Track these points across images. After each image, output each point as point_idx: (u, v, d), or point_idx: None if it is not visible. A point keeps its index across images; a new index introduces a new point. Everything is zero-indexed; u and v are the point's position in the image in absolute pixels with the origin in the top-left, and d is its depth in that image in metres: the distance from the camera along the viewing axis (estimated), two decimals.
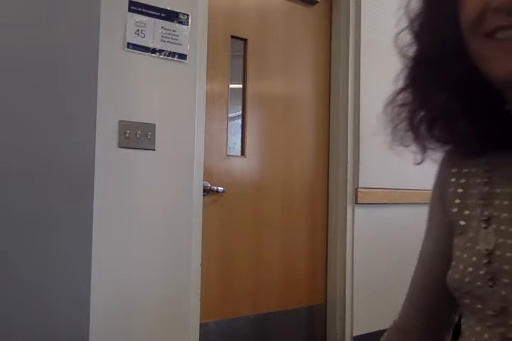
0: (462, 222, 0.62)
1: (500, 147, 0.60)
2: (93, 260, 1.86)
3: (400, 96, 0.65)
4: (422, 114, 0.63)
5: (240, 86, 2.57)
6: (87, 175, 1.88)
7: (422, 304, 0.72)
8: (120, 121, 1.94)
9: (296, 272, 2.75)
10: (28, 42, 2.17)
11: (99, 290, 1.88)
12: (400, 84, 0.64)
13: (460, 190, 0.64)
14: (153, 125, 2.02)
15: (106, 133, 1.91)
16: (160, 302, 2.05)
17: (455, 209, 0.64)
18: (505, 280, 0.54)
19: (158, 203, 2.05)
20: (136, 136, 1.97)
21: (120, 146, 1.94)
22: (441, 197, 0.68)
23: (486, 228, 0.58)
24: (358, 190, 2.82)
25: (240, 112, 2.57)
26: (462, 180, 0.64)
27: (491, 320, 0.56)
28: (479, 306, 0.58)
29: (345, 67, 2.85)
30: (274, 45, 2.67)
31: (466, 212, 0.62)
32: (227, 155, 2.49)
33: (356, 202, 2.82)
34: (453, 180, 0.65)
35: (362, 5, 2.86)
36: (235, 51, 2.53)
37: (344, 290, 2.81)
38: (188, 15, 2.12)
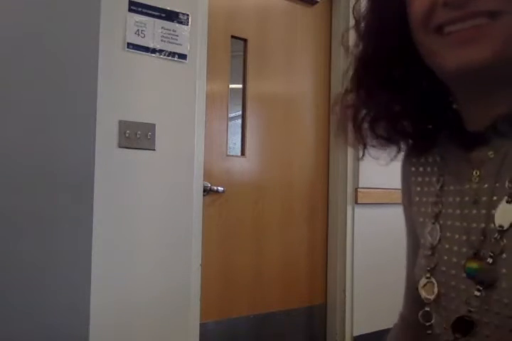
0: (421, 219, 0.65)
1: (453, 144, 0.61)
2: (93, 259, 1.86)
3: (346, 97, 0.67)
4: (364, 113, 0.65)
5: (240, 86, 2.57)
6: (87, 175, 1.88)
7: (410, 296, 0.75)
8: (120, 121, 1.94)
9: (296, 272, 2.75)
10: (28, 42, 2.17)
11: (99, 290, 1.88)
12: (345, 85, 0.66)
13: (418, 189, 0.67)
14: (153, 125, 2.02)
15: (106, 133, 1.91)
16: (160, 302, 2.05)
17: (415, 208, 0.67)
18: (442, 269, 0.59)
19: (158, 203, 2.05)
20: (136, 136, 1.97)
21: (120, 146, 1.94)
22: (408, 195, 0.71)
23: (433, 223, 0.61)
24: (358, 190, 2.82)
25: (240, 112, 2.57)
26: (419, 179, 0.67)
27: (433, 306, 0.60)
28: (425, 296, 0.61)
29: (345, 67, 2.84)
30: (274, 45, 2.67)
31: (422, 209, 0.65)
32: (227, 155, 2.49)
33: (356, 202, 2.82)
34: (413, 178, 0.68)
35: (362, 5, 2.85)
36: (235, 51, 2.53)
37: (344, 290, 2.81)
38: (188, 15, 2.12)
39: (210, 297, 2.34)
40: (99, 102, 1.89)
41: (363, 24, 0.63)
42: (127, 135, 1.95)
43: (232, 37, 2.51)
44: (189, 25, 2.12)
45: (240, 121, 2.57)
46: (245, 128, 2.56)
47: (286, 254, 2.70)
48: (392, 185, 3.17)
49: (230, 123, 2.51)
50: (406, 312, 0.76)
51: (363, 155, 0.68)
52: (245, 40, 2.56)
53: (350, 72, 0.65)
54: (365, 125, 0.65)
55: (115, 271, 1.93)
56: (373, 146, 0.66)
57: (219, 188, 2.36)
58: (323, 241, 2.86)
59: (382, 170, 3.27)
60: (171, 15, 2.07)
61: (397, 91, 0.61)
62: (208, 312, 2.32)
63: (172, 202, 2.08)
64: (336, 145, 2.85)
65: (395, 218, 3.37)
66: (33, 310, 2.05)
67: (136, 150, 1.98)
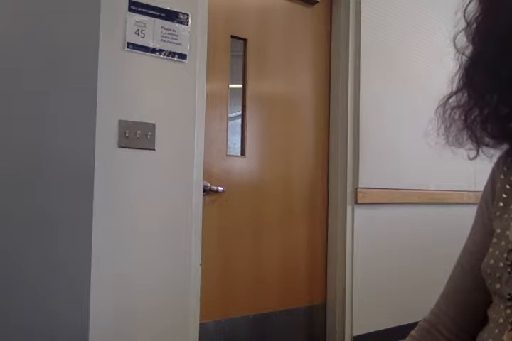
0: (506, 215, 0.65)
1: None
2: (93, 259, 1.86)
3: (454, 99, 0.68)
4: (476, 113, 0.65)
5: (240, 86, 2.57)
6: (87, 175, 1.88)
7: (458, 303, 0.73)
8: (120, 121, 1.94)
9: (296, 272, 2.75)
10: (28, 42, 2.17)
11: (98, 290, 1.88)
12: (454, 86, 0.67)
13: (508, 186, 0.67)
14: (153, 125, 2.02)
15: (106, 133, 1.91)
16: (160, 302, 2.05)
17: (501, 204, 0.67)
18: None
19: (158, 203, 2.05)
20: (136, 136, 1.97)
21: (120, 146, 1.94)
22: (491, 193, 0.70)
23: None
24: (358, 190, 2.82)
25: (240, 112, 2.57)
26: (510, 178, 0.67)
27: (509, 303, 0.59)
28: (502, 288, 0.61)
29: (345, 67, 2.85)
30: (274, 45, 2.67)
31: (511, 207, 0.65)
32: (227, 155, 2.49)
33: (356, 202, 2.82)
34: (502, 177, 0.68)
35: (362, 5, 2.86)
36: (235, 51, 2.53)
37: (344, 290, 2.81)
38: (188, 15, 2.12)
39: (210, 297, 2.34)
40: (99, 102, 1.89)
41: (474, 26, 0.64)
42: (127, 135, 1.95)
43: (232, 37, 2.51)
44: (189, 25, 2.12)
45: (240, 121, 2.57)
46: (245, 128, 2.56)
47: (286, 254, 2.70)
48: (392, 185, 3.18)
49: (230, 123, 2.51)
50: (441, 320, 0.73)
51: (477, 154, 0.68)
52: (245, 40, 2.56)
53: (460, 73, 0.66)
54: (477, 125, 0.65)
55: (115, 271, 1.93)
56: (487, 145, 0.67)
57: (219, 188, 2.36)
58: (323, 241, 2.86)
59: (382, 170, 3.26)
60: (170, 15, 2.07)
61: (506, 92, 0.62)
62: (208, 312, 2.32)
63: (172, 202, 2.08)
64: (337, 145, 2.86)
65: (394, 218, 3.38)
66: (33, 310, 2.05)
67: (136, 150, 1.98)
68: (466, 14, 0.65)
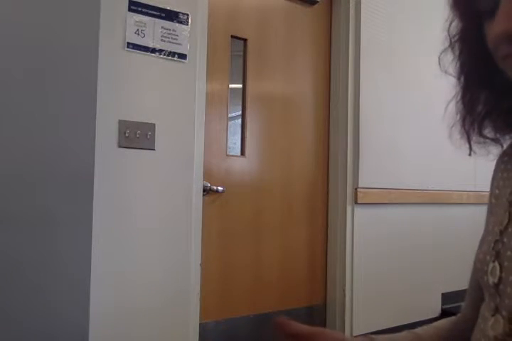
0: (497, 210, 0.66)
1: None
2: (93, 259, 1.86)
3: (457, 95, 0.71)
4: (466, 112, 0.68)
5: (240, 86, 2.57)
6: (87, 175, 1.88)
7: (469, 300, 0.76)
8: (120, 121, 1.94)
9: (296, 272, 2.75)
10: (28, 42, 2.17)
11: (98, 290, 1.88)
12: (457, 87, 0.70)
13: (501, 183, 0.68)
14: (153, 125, 2.02)
15: (106, 133, 1.91)
16: (160, 302, 2.05)
17: (493, 200, 0.68)
18: (508, 253, 0.59)
19: (158, 203, 2.05)
20: (136, 136, 1.97)
21: (120, 146, 1.94)
22: (492, 190, 0.72)
23: (505, 212, 0.62)
24: (358, 190, 2.82)
25: (240, 112, 2.57)
26: (505, 174, 0.68)
27: (492, 291, 0.60)
28: (488, 279, 0.62)
29: (345, 67, 2.85)
30: (274, 45, 2.67)
31: (503, 200, 0.66)
32: (227, 155, 2.49)
33: (356, 202, 2.82)
34: (499, 174, 0.70)
35: (362, 5, 2.86)
36: (235, 51, 2.53)
37: (344, 290, 2.81)
38: (188, 15, 2.12)
39: (210, 297, 2.34)
40: (99, 102, 1.89)
41: (457, 44, 0.67)
42: (127, 135, 1.95)
43: (232, 37, 2.51)
44: (189, 25, 2.12)
45: (239, 121, 2.57)
46: (245, 128, 2.56)
47: (286, 254, 2.70)
48: (392, 185, 3.18)
49: (229, 123, 2.51)
50: (462, 314, 0.77)
51: (471, 151, 0.70)
52: (245, 40, 2.57)
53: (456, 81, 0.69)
54: (468, 122, 0.68)
55: (115, 271, 1.93)
56: (479, 143, 0.69)
57: (219, 188, 2.36)
58: (323, 241, 2.86)
59: (382, 170, 3.25)
60: (170, 15, 2.07)
61: (495, 92, 0.64)
62: (208, 312, 2.32)
63: (172, 201, 2.08)
64: (337, 145, 2.86)
65: (394, 218, 3.37)
66: (33, 310, 2.05)
67: (136, 150, 1.98)
68: (450, 33, 0.67)
